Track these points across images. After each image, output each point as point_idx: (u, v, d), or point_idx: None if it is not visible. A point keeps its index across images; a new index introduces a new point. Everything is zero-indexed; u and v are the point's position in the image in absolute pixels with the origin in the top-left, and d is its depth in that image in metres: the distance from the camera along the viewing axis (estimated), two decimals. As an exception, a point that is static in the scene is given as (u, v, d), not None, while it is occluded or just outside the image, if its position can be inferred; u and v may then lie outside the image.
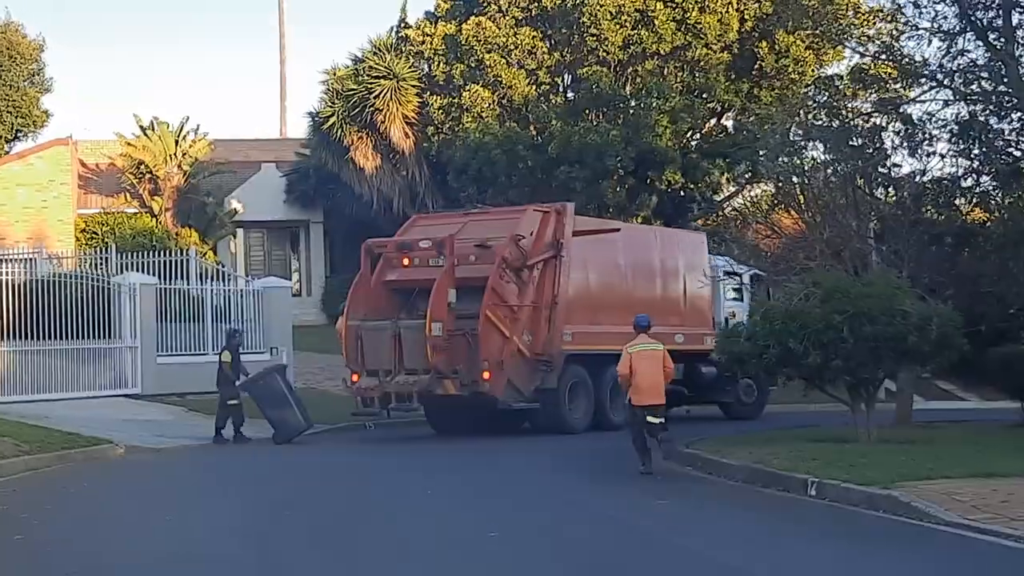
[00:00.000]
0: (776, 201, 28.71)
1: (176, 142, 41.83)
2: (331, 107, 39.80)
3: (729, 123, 38.67)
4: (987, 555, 12.48)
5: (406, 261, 25.87)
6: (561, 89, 38.60)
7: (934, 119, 24.97)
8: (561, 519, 15.10)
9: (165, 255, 32.83)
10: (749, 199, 33.45)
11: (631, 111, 36.14)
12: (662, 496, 17.24)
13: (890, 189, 26.91)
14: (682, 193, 38.17)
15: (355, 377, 25.58)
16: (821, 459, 17.98)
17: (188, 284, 32.55)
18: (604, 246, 27.48)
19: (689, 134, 37.72)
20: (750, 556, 12.40)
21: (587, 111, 36.92)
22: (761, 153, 34.17)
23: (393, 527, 14.61)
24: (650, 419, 18.57)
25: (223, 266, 37.04)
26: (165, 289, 31.49)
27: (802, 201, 26.63)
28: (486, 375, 24.58)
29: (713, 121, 38.60)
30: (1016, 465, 17.06)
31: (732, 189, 39.48)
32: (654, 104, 35.77)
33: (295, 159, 45.60)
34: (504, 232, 25.83)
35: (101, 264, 33.85)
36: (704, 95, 37.17)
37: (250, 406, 25.67)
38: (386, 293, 26.01)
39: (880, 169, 26.74)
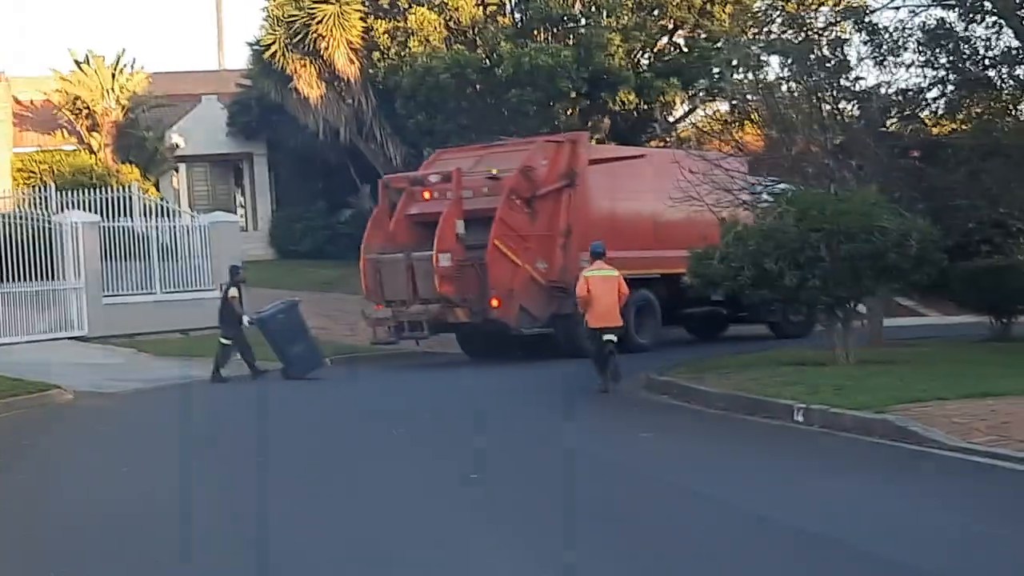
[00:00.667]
0: (734, 118, 27.94)
1: (113, 76, 40.68)
2: (272, 34, 38.09)
3: (681, 40, 37.49)
4: (1007, 482, 11.80)
5: (426, 195, 26.49)
6: (509, 10, 37.05)
7: (902, 28, 24.46)
8: (540, 459, 14.28)
9: (106, 192, 31.93)
10: (708, 116, 32.47)
11: (582, 30, 35.04)
12: (645, 428, 16.66)
13: (854, 104, 26.27)
14: (636, 114, 37.24)
15: (378, 307, 26.51)
16: (804, 383, 17.41)
17: (132, 221, 31.53)
18: (627, 172, 27.30)
19: (642, 53, 36.67)
20: (757, 495, 11.50)
21: (536, 31, 35.76)
22: (716, 71, 33.54)
23: (356, 474, 13.79)
24: (606, 338, 19.41)
25: (167, 202, 36.02)
26: (108, 227, 30.49)
27: (760, 118, 25.95)
28: (495, 303, 25.15)
29: (664, 40, 37.45)
30: (1008, 384, 16.40)
31: (687, 108, 38.42)
32: (605, 22, 34.82)
33: (237, 91, 44.23)
34: (517, 164, 26.28)
35: (40, 203, 32.67)
36: (656, 12, 35.95)
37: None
38: (409, 226, 26.58)
39: (844, 82, 26.15)
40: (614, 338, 19.69)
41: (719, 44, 34.58)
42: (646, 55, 36.87)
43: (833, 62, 25.89)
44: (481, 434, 15.75)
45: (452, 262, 25.17)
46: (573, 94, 35.03)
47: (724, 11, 36.30)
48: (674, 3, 35.94)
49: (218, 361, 24.18)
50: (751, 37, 26.76)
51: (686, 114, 39.17)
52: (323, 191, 43.77)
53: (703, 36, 35.63)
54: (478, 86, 35.66)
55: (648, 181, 27.03)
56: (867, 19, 24.91)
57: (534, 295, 26.00)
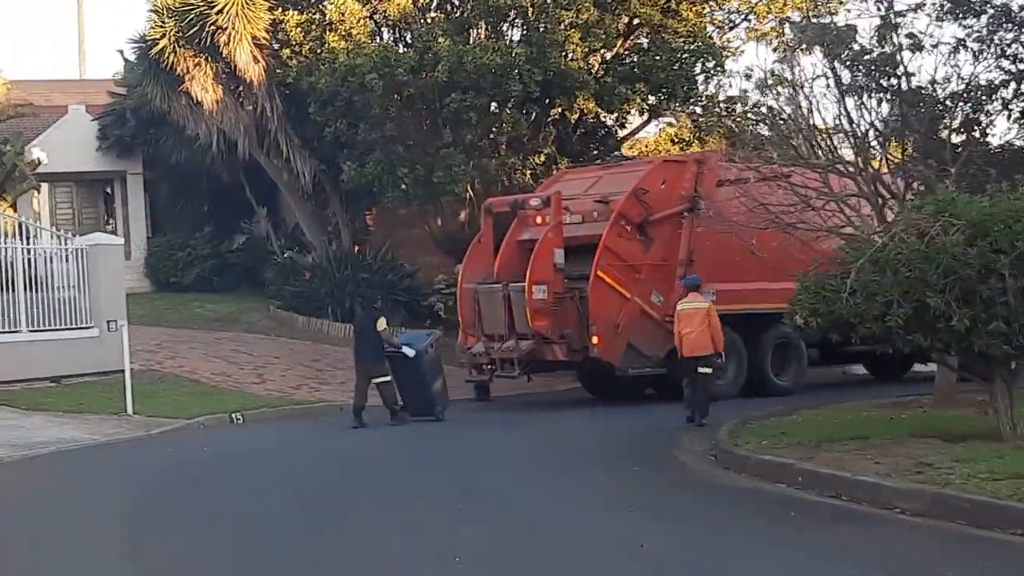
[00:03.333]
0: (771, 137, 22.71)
1: (-38, 81, 32.01)
2: (161, 27, 30.03)
3: (645, 42, 30.57)
4: None
5: (539, 219, 23.35)
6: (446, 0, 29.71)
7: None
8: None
9: (-46, 212, 23.33)
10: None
11: (535, 25, 27.70)
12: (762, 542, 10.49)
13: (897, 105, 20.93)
14: (591, 124, 30.48)
15: (470, 340, 23.55)
16: (984, 472, 11.39)
17: (-11, 244, 23.22)
18: (767, 192, 21.62)
19: (602, 54, 29.40)
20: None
21: (479, 26, 28.68)
22: (747, 85, 28.11)
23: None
24: (700, 370, 19.00)
25: (32, 221, 28.53)
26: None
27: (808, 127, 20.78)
28: (595, 339, 22.05)
29: (619, 41, 29.94)
30: None
31: (644, 119, 31.72)
32: (563, 16, 27.67)
33: (108, 101, 36.04)
34: (631, 186, 22.92)
35: None
36: (617, 8, 28.82)
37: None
38: (519, 253, 23.45)
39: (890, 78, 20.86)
40: (708, 370, 19.06)
41: (695, 45, 29.27)
42: (606, 57, 29.29)
43: (875, 53, 20.76)
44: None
45: (548, 294, 22.18)
46: (522, 99, 27.95)
47: (692, 10, 29.92)
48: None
49: (389, 404, 21.21)
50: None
51: (639, 127, 32.00)
52: (211, 214, 35.47)
53: (673, 36, 28.70)
54: (411, 89, 28.09)
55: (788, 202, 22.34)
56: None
57: (645, 331, 22.46)
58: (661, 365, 22.92)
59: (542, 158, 29.03)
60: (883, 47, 20.24)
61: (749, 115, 29.98)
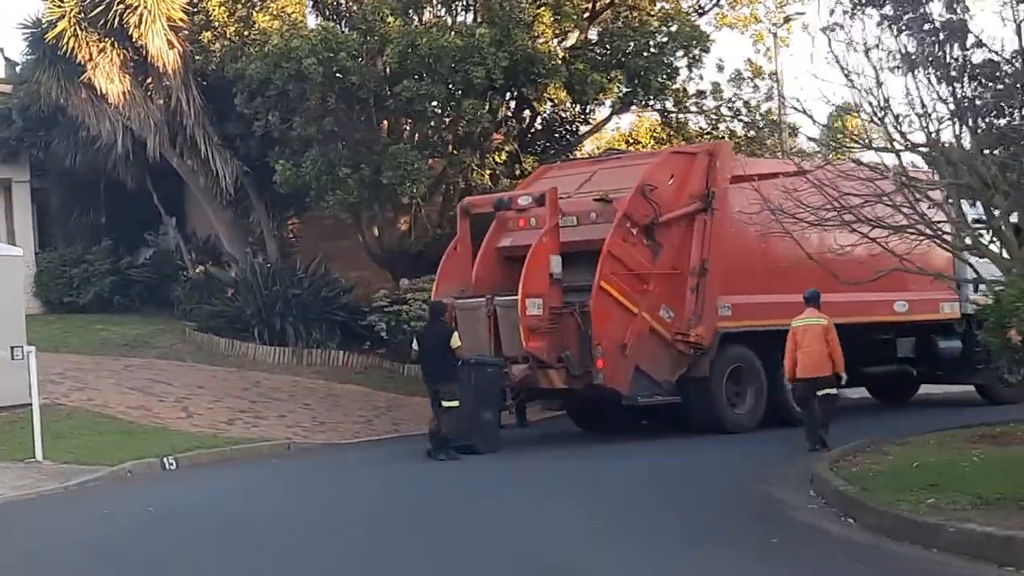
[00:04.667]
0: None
1: None
2: (60, 7, 25.45)
3: (620, 23, 26.27)
4: None
5: (522, 222, 20.10)
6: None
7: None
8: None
9: None
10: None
11: (498, 4, 23.75)
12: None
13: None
14: (554, 116, 26.90)
15: None
16: None
17: None
18: (782, 193, 18.46)
19: (573, 35, 25.78)
20: None
21: (431, 4, 25.03)
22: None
23: None
24: (820, 393, 17.02)
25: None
26: None
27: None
28: (600, 363, 18.52)
29: (590, 22, 26.60)
30: None
31: (609, 113, 28.09)
32: None
33: None
34: (635, 182, 19.34)
35: None
36: None
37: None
38: (499, 262, 20.20)
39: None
40: (832, 391, 17.19)
41: (673, 27, 25.53)
42: (575, 43, 25.96)
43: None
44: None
45: (543, 310, 18.60)
46: (485, 87, 24.07)
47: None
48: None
49: (445, 431, 18.10)
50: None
51: (602, 122, 28.24)
52: (112, 226, 30.84)
53: (650, 18, 25.25)
54: (355, 76, 23.95)
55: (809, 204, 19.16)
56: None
57: (655, 353, 19.22)
58: (673, 392, 19.66)
59: (503, 156, 25.17)
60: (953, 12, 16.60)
61: (723, 109, 26.67)
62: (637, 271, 19.31)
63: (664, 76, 24.77)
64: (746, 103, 27.54)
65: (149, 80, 27.04)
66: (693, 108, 27.46)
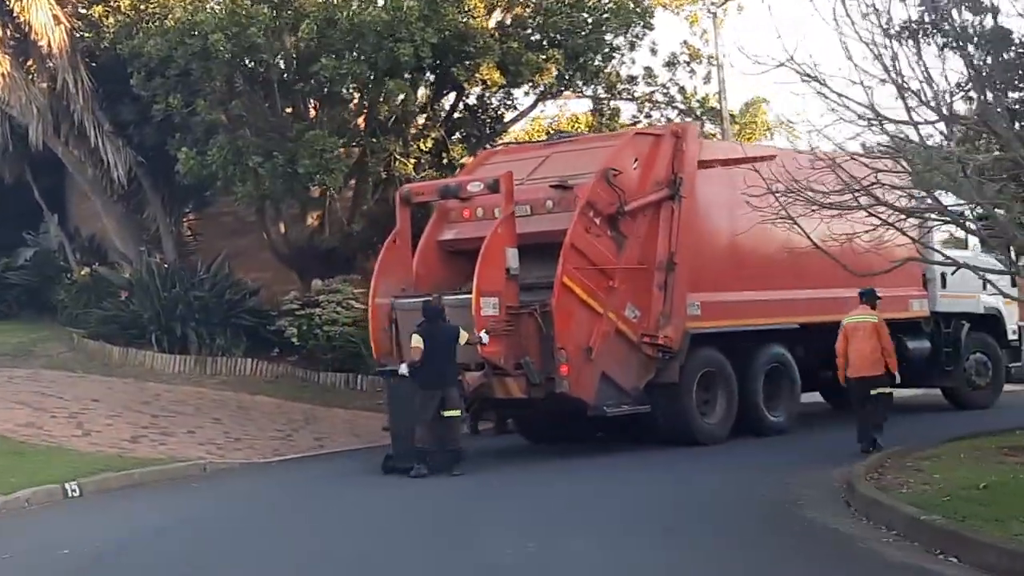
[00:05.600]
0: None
1: None
2: None
3: None
4: None
5: (467, 212, 18.02)
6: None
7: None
8: None
9: None
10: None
11: None
12: None
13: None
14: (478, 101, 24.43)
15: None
16: None
17: None
18: (753, 181, 16.62)
19: (508, 11, 23.37)
20: None
21: None
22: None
23: None
24: (874, 392, 16.20)
25: None
26: None
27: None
28: (564, 369, 16.44)
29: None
30: None
31: (535, 97, 25.64)
32: None
33: None
34: (593, 167, 17.26)
35: None
36: None
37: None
38: (442, 257, 18.26)
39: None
40: (886, 390, 16.34)
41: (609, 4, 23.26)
42: (508, 18, 23.52)
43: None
44: None
45: (500, 310, 16.42)
46: (412, 66, 21.52)
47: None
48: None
49: (450, 445, 16.27)
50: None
51: (534, 104, 25.52)
52: None
53: None
54: (265, 54, 21.56)
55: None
56: None
57: (622, 357, 17.17)
58: (642, 401, 17.58)
59: (430, 143, 22.88)
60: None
61: (658, 95, 24.76)
62: (602, 266, 17.27)
63: (603, 57, 22.57)
64: (681, 88, 25.56)
65: (31, 61, 24.22)
66: (625, 95, 25.33)
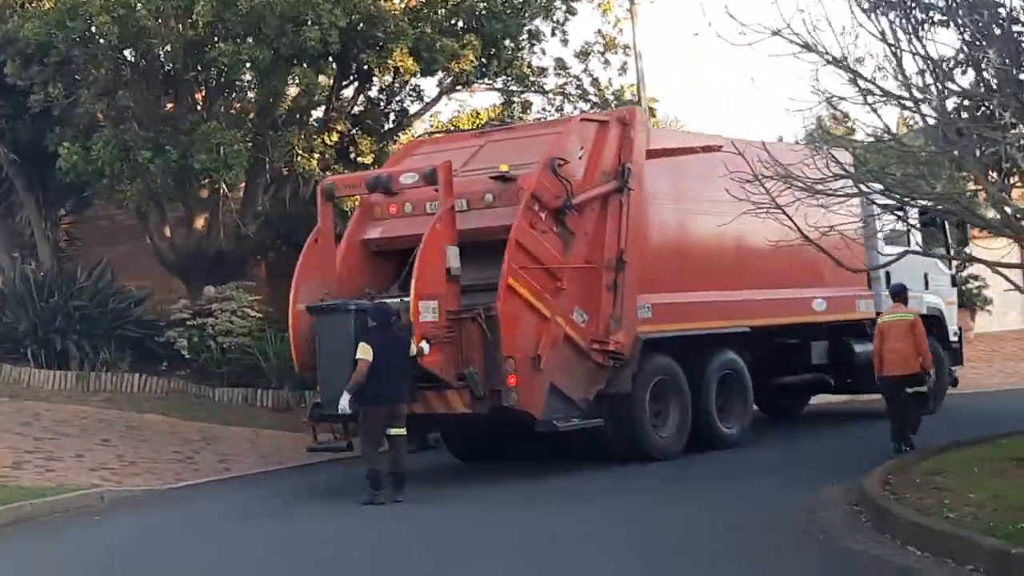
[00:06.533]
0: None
1: None
2: None
3: None
4: None
5: (393, 208, 16.33)
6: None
7: None
8: None
9: None
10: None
11: None
12: None
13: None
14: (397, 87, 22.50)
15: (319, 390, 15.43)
16: None
17: None
18: (699, 171, 17.07)
19: None
20: None
21: None
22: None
23: None
24: (911, 391, 15.54)
25: None
26: None
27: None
28: (512, 380, 14.73)
29: None
30: None
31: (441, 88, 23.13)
32: None
33: None
34: (536, 156, 15.61)
35: None
36: None
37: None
38: (366, 258, 16.57)
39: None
40: (922, 388, 15.79)
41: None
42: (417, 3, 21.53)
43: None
44: None
45: (440, 315, 14.60)
46: (317, 52, 19.68)
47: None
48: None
49: (398, 467, 14.45)
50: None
51: (438, 97, 23.81)
52: None
53: None
54: (153, 37, 19.68)
55: (726, 185, 16.00)
56: None
57: (570, 365, 15.51)
58: (593, 414, 15.94)
59: (335, 136, 21.02)
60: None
61: (571, 87, 23.34)
62: (548, 265, 15.64)
63: (523, 43, 20.97)
64: (595, 80, 24.06)
65: None
66: (534, 88, 23.74)
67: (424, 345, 14.54)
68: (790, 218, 12.72)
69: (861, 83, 12.24)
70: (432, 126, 25.14)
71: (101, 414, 20.70)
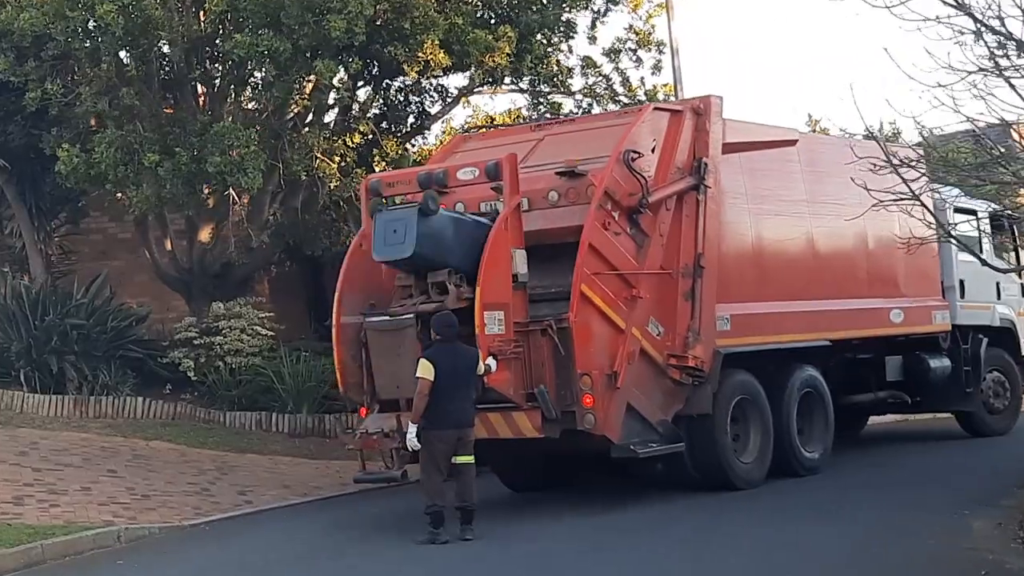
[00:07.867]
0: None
1: None
2: None
3: None
4: None
5: (441, 206, 13.51)
6: None
7: None
8: None
9: None
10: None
11: None
12: None
13: None
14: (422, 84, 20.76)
15: (363, 412, 13.85)
16: None
17: None
18: (777, 169, 15.82)
19: None
20: None
21: None
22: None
23: None
24: None
25: None
26: None
27: None
28: (588, 400, 12.95)
29: None
30: None
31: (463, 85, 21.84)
32: None
33: None
34: (605, 149, 13.73)
35: None
36: None
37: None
38: None
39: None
40: None
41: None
42: None
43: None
44: None
45: (507, 327, 12.87)
46: (343, 44, 17.97)
47: None
48: None
49: (467, 498, 12.56)
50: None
51: (456, 99, 21.99)
52: None
53: None
54: (161, 28, 17.84)
55: (805, 184, 15.76)
56: None
57: (647, 384, 13.67)
58: (674, 438, 14.17)
59: (357, 138, 19.25)
60: None
61: (600, 88, 21.78)
62: (623, 271, 13.91)
63: (559, 37, 19.27)
64: (625, 79, 22.41)
65: None
66: (562, 88, 22.07)
67: (491, 362, 12.75)
68: (930, 211, 10.94)
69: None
70: (444, 132, 23.36)
71: (103, 442, 18.81)
